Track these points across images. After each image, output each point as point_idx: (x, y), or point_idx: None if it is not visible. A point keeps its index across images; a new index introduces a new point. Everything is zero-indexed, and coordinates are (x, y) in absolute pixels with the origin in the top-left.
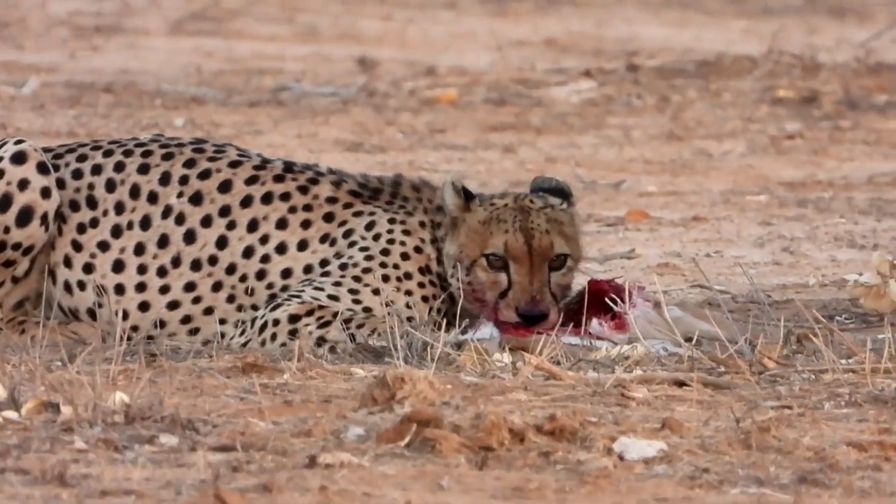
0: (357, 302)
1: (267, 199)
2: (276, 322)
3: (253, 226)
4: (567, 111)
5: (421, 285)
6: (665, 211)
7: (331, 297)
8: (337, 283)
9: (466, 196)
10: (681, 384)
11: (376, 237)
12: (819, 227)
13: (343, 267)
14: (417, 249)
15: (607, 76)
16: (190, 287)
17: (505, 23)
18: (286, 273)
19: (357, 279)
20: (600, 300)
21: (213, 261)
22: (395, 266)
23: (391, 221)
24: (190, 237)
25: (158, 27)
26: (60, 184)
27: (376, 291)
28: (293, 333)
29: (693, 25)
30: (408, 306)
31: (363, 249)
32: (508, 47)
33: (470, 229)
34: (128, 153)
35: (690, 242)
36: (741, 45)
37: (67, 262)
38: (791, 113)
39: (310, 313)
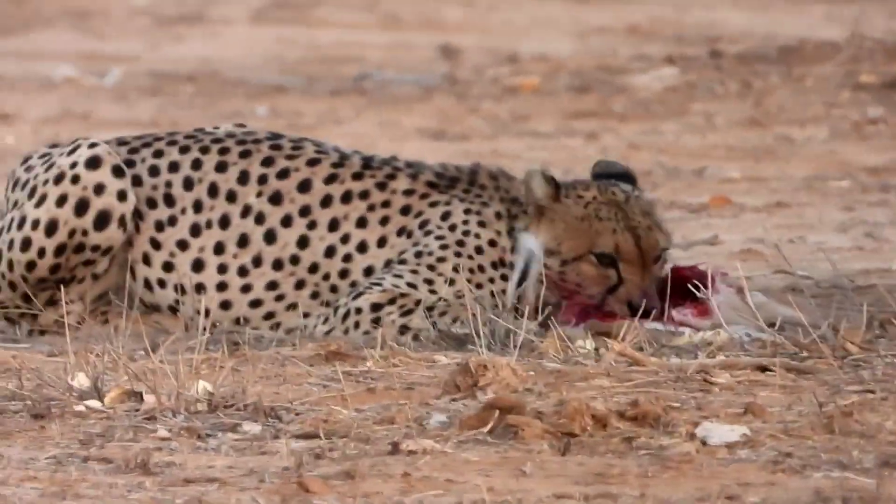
0: (432, 291)
1: (346, 197)
2: (359, 310)
3: (334, 225)
4: (649, 98)
5: (492, 280)
6: (748, 197)
7: (410, 284)
8: (413, 272)
9: (554, 185)
10: (763, 369)
11: (452, 227)
12: None
13: (418, 255)
14: (492, 242)
15: (689, 62)
16: (272, 286)
17: (587, 9)
18: (368, 270)
19: (431, 268)
20: (683, 286)
21: (294, 260)
22: (470, 257)
23: (467, 212)
24: (270, 237)
25: (240, 16)
26: (137, 181)
27: (450, 281)
28: (376, 322)
29: (774, 11)
30: (476, 299)
31: (439, 238)
32: (591, 34)
33: (568, 225)
34: (204, 150)
35: (773, 228)
36: (823, 30)
37: (147, 260)
38: (873, 98)
39: (392, 301)
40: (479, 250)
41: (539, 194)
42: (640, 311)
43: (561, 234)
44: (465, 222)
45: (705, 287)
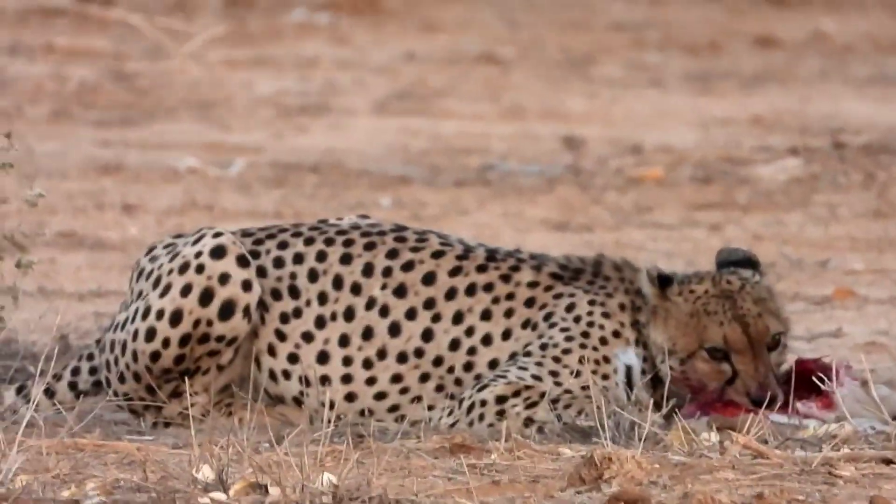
0: (557, 384)
1: (471, 290)
2: (483, 403)
3: (458, 318)
4: (773, 189)
5: (617, 371)
6: (872, 289)
7: (535, 377)
8: (539, 364)
9: (663, 283)
10: (888, 462)
11: (577, 319)
12: None
13: (544, 347)
14: (616, 334)
15: (813, 153)
16: (397, 379)
17: (710, 100)
18: (493, 364)
19: (556, 360)
20: (807, 379)
21: (419, 353)
22: (595, 349)
23: (591, 303)
24: (395, 330)
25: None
26: (262, 272)
27: (576, 373)
28: (500, 414)
29: None
30: (605, 390)
31: (564, 330)
32: (714, 125)
33: (678, 322)
34: (329, 242)
35: None
36: None
37: (272, 351)
38: None
39: (517, 394)
40: (603, 341)
41: (647, 293)
42: (764, 403)
43: (674, 332)
44: (590, 314)
45: (829, 379)
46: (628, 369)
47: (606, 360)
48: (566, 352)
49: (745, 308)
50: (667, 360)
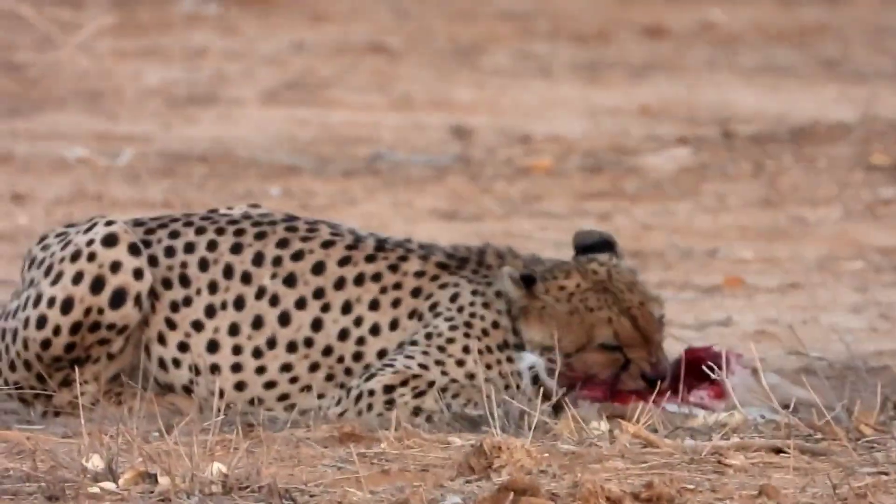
0: (444, 373)
1: (359, 280)
2: (372, 392)
3: (347, 308)
4: (662, 178)
5: (499, 361)
6: (761, 278)
7: (421, 366)
8: (425, 353)
9: (527, 282)
10: (778, 451)
11: (460, 309)
12: None
13: (429, 336)
14: (495, 324)
15: (701, 143)
16: (287, 368)
17: (598, 90)
18: (381, 354)
19: (442, 349)
20: (697, 368)
21: (308, 343)
22: (478, 339)
23: (474, 293)
24: (285, 319)
25: (252, 97)
26: (153, 261)
27: (460, 363)
28: (389, 403)
29: (786, 92)
30: (487, 380)
31: (448, 320)
32: (602, 114)
33: (559, 321)
34: (220, 231)
35: (786, 309)
36: (834, 111)
37: (162, 340)
38: (886, 178)
39: (404, 383)
40: (485, 332)
41: (514, 297)
42: (657, 388)
43: (555, 330)
44: (472, 303)
45: (719, 368)
46: (532, 368)
47: (489, 349)
48: (450, 341)
49: (626, 300)
50: (548, 356)
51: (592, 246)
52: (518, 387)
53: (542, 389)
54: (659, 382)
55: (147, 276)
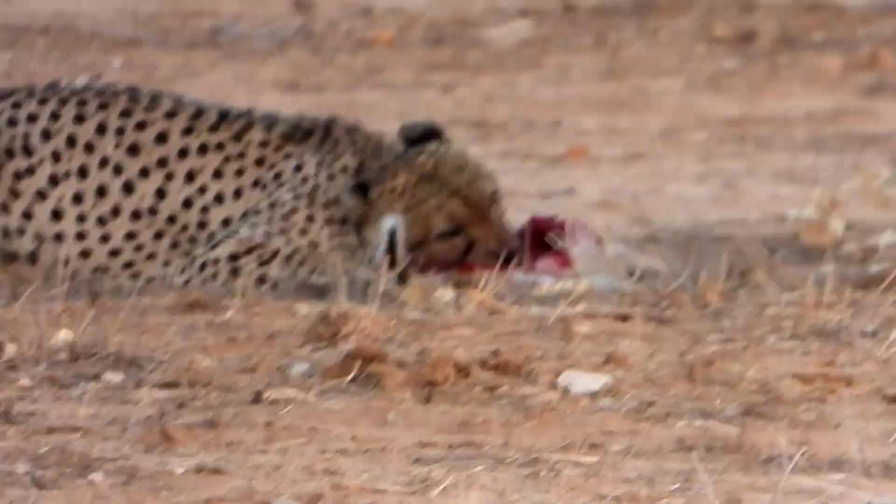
0: (288, 242)
1: (203, 149)
2: (216, 261)
3: (190, 177)
4: (504, 50)
5: (342, 233)
6: (604, 148)
7: (265, 234)
8: (269, 222)
9: (364, 190)
10: (624, 318)
11: (304, 180)
12: (758, 163)
13: (272, 206)
14: (337, 199)
15: (543, 16)
16: (131, 236)
17: None
18: (226, 222)
19: (285, 218)
20: (542, 237)
21: (153, 211)
22: (322, 209)
23: (319, 164)
24: (128, 188)
25: None
26: None
27: (303, 231)
28: (234, 272)
29: None
30: (331, 250)
31: (291, 189)
32: None
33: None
34: (63, 101)
35: (630, 179)
36: None
37: (5, 208)
38: (728, 50)
39: (249, 251)
40: (328, 204)
41: (352, 206)
42: (503, 257)
43: None
44: (317, 175)
45: (565, 238)
46: (392, 233)
47: (330, 221)
48: (294, 210)
49: (454, 183)
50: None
51: (420, 137)
52: (370, 259)
53: (387, 258)
54: (511, 255)
55: None
